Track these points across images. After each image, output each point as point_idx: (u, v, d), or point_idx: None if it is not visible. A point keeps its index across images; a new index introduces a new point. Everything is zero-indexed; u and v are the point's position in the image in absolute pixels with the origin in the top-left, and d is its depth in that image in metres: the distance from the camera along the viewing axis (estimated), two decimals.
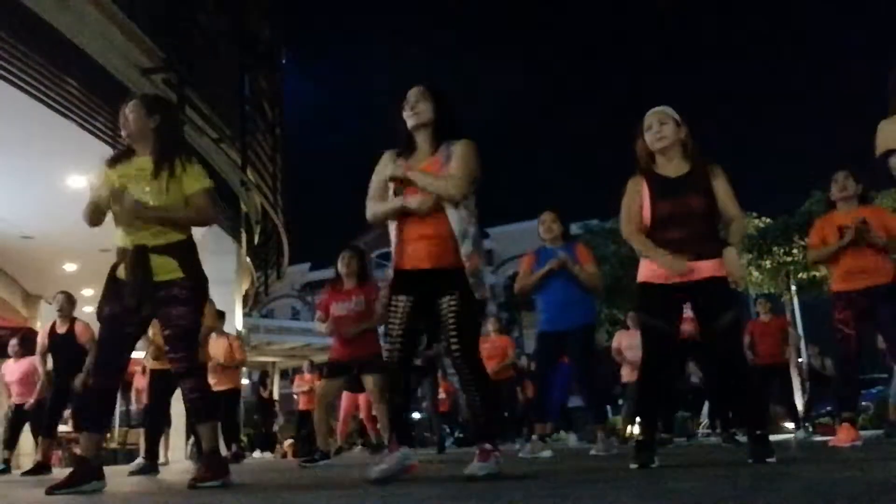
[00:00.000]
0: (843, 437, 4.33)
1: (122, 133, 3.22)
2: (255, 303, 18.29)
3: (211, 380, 6.67)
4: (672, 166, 3.22)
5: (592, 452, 4.84)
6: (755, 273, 16.68)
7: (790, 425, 9.48)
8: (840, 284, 4.51)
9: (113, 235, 3.22)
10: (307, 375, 12.54)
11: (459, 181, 2.86)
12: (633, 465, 2.97)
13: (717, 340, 3.14)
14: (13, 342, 8.14)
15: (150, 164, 3.12)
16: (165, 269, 3.07)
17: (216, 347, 7.33)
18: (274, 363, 21.33)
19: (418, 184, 2.88)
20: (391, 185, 2.98)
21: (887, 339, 4.47)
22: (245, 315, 15.72)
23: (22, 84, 6.77)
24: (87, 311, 8.58)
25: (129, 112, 3.19)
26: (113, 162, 3.22)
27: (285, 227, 15.95)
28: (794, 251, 15.52)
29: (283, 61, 18.22)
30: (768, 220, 17.07)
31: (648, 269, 3.22)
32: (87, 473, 2.95)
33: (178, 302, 3.06)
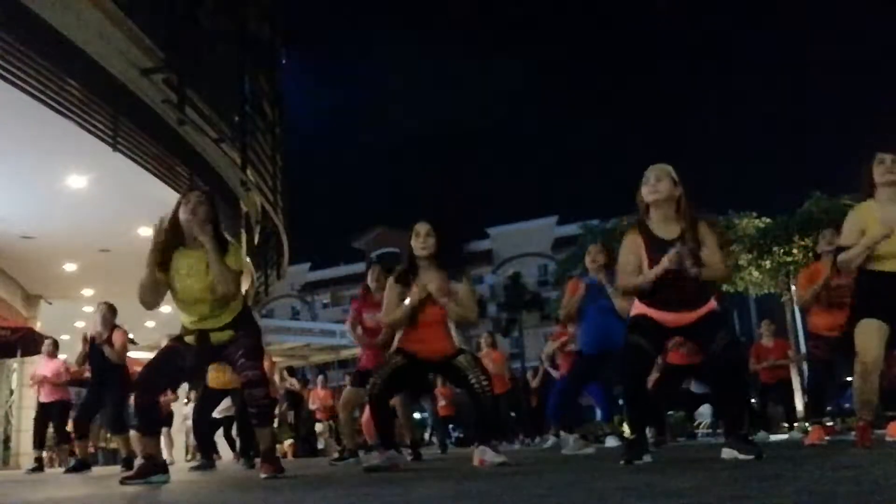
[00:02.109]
0: (814, 436, 4.89)
1: (185, 217, 3.53)
2: (255, 303, 18.28)
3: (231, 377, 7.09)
4: (665, 225, 3.42)
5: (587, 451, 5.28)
6: (755, 273, 16.70)
7: (787, 425, 9.52)
8: (821, 330, 5.10)
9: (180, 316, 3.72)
10: (321, 392, 12.60)
11: (473, 309, 4.04)
12: (622, 462, 3.21)
13: (719, 357, 3.33)
14: (48, 342, 8.43)
15: (199, 255, 3.55)
16: (225, 337, 3.67)
17: None
18: (274, 363, 21.34)
19: (445, 307, 3.86)
20: (408, 300, 3.89)
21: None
22: None
23: (22, 84, 6.77)
24: (87, 310, 8.58)
25: (199, 204, 3.57)
26: (168, 248, 3.58)
27: (285, 227, 15.95)
28: (794, 251, 15.55)
29: (283, 61, 18.22)
30: (768, 220, 17.09)
31: (644, 308, 3.42)
32: (154, 467, 3.53)
33: (240, 339, 3.68)
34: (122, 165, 8.11)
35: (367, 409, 9.55)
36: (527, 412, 11.40)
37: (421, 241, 3.95)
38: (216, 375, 6.76)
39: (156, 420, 3.79)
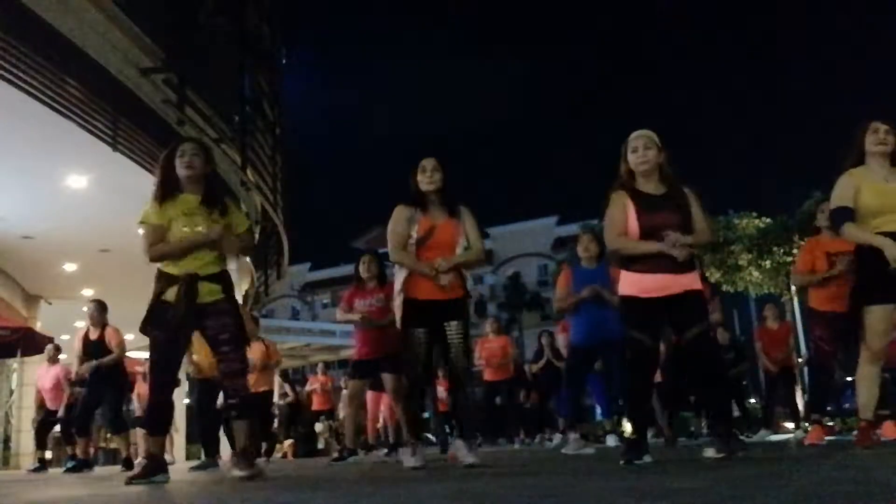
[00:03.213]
0: (814, 436, 4.83)
1: (183, 172, 3.54)
2: (255, 303, 18.27)
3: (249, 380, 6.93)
4: (651, 186, 3.46)
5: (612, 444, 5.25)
6: (755, 273, 16.71)
7: (790, 425, 9.50)
8: (823, 305, 4.82)
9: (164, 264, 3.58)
10: (321, 377, 12.58)
11: (482, 250, 4.00)
12: (622, 462, 3.20)
13: (687, 349, 3.44)
14: (49, 347, 8.43)
15: (197, 203, 3.56)
16: (211, 293, 3.55)
17: (254, 352, 7.44)
18: (275, 354, 21.31)
19: (455, 264, 3.81)
20: (413, 238, 3.81)
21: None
22: None
23: (22, 84, 6.77)
24: (87, 310, 8.58)
25: (194, 155, 3.57)
26: (162, 198, 3.55)
27: (285, 227, 15.94)
28: (794, 251, 15.55)
29: (283, 61, 18.21)
30: (768, 220, 17.09)
31: (630, 283, 3.43)
32: (157, 467, 3.56)
33: (226, 314, 3.56)
34: (122, 165, 8.11)
35: (387, 405, 9.55)
36: (527, 409, 11.37)
37: (428, 175, 3.86)
38: (213, 363, 6.51)
39: (167, 420, 3.77)
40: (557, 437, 8.47)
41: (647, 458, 3.28)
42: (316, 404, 12.59)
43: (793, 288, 16.36)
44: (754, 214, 17.61)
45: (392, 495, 2.19)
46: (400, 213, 3.88)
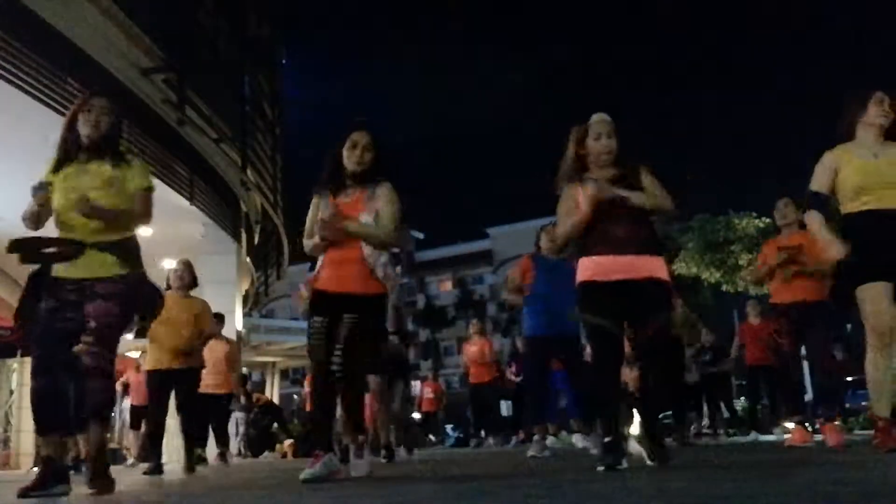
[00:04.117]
0: (797, 437, 4.83)
1: (85, 131, 3.10)
2: (255, 303, 18.27)
3: (209, 381, 6.72)
4: (604, 172, 3.25)
5: (580, 445, 5.00)
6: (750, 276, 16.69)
7: (791, 425, 9.47)
8: (776, 297, 4.94)
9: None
10: None
11: (389, 230, 3.28)
12: (600, 468, 2.84)
13: (644, 343, 3.16)
14: None
15: (102, 167, 3.10)
16: (104, 264, 3.00)
17: (215, 350, 7.32)
18: (274, 363, 21.32)
19: (354, 233, 3.23)
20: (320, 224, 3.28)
21: (810, 357, 4.99)
22: (245, 315, 15.71)
23: (22, 84, 6.77)
24: None
25: (102, 113, 3.13)
26: (59, 165, 3.16)
27: (285, 227, 15.94)
28: None
29: (283, 61, 18.22)
30: (768, 220, 17.06)
31: (587, 268, 3.20)
32: (54, 475, 2.90)
33: (109, 297, 2.97)
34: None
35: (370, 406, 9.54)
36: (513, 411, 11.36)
37: (357, 154, 3.28)
38: (174, 348, 5.55)
39: (59, 415, 2.94)
40: (576, 438, 8.39)
41: (626, 464, 2.95)
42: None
43: None
44: (754, 214, 17.59)
45: (392, 495, 2.19)
46: (313, 204, 3.43)
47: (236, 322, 12.33)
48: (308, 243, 3.40)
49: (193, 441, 5.87)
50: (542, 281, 5.13)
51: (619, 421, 3.17)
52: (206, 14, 11.78)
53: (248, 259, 13.99)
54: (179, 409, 5.72)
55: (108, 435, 13.24)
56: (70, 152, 3.14)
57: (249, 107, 13.56)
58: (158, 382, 5.61)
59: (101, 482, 2.89)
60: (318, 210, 3.34)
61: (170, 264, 6.28)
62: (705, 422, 9.61)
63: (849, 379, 11.06)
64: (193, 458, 5.72)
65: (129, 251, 3.08)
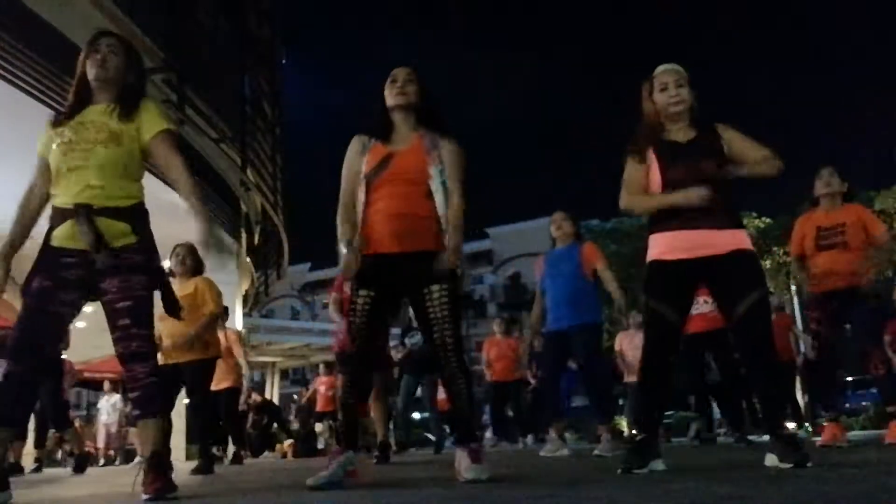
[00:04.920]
0: (829, 436, 4.37)
1: (91, 73, 2.66)
2: (255, 303, 18.29)
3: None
4: (680, 132, 2.89)
5: (596, 452, 4.75)
6: None
7: (791, 425, 9.47)
8: (814, 287, 4.51)
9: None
10: (327, 377, 12.60)
11: (459, 206, 2.81)
12: (619, 471, 2.61)
13: (741, 326, 2.71)
14: None
15: (107, 117, 2.63)
16: (115, 233, 2.55)
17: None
18: (274, 363, 21.34)
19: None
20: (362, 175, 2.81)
21: (859, 343, 4.53)
22: (245, 315, 15.72)
23: (22, 84, 6.77)
24: (86, 310, 8.60)
25: (110, 52, 2.67)
26: (67, 115, 2.70)
27: (285, 227, 15.95)
28: None
29: (283, 61, 18.23)
30: (768, 220, 17.09)
31: (660, 244, 2.83)
32: None
33: (137, 270, 2.56)
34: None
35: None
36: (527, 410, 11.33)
37: (399, 86, 2.84)
38: (174, 341, 5.08)
39: (17, 407, 2.57)
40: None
41: (660, 466, 2.67)
42: (321, 405, 12.60)
43: (793, 287, 16.34)
44: (754, 214, 17.59)
45: (391, 496, 2.19)
46: (352, 147, 2.90)
47: (236, 322, 12.34)
48: (342, 212, 2.85)
49: (208, 441, 5.52)
50: (548, 275, 5.08)
51: (659, 422, 2.91)
52: (206, 14, 11.79)
53: (248, 259, 14.00)
54: (193, 407, 5.41)
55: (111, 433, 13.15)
56: (75, 105, 2.70)
57: (249, 107, 13.57)
58: (165, 379, 5.26)
59: (157, 479, 2.43)
60: (357, 156, 2.85)
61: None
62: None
63: (849, 379, 11.08)
64: (208, 460, 5.25)
65: (141, 217, 2.66)
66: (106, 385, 12.89)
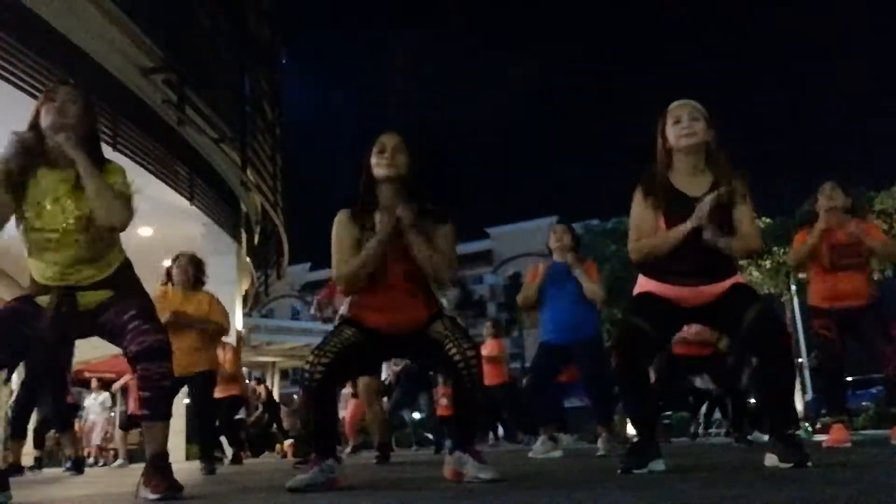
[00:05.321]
0: (835, 437, 4.34)
1: (50, 121, 2.54)
2: (255, 303, 18.29)
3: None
4: (691, 178, 2.75)
5: (600, 453, 4.73)
6: (755, 273, 16.69)
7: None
8: (823, 302, 4.48)
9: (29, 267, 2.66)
10: None
11: (452, 267, 2.66)
12: (619, 471, 2.60)
13: (755, 326, 2.62)
14: None
15: (68, 176, 2.55)
16: (94, 299, 2.59)
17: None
18: (274, 363, 21.33)
19: (413, 245, 2.58)
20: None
21: (869, 351, 4.43)
22: (245, 315, 15.72)
23: (22, 84, 6.77)
24: None
25: (70, 101, 2.59)
26: (24, 167, 2.56)
27: (285, 227, 15.96)
28: None
29: (283, 61, 18.24)
30: (768, 220, 17.09)
31: (652, 286, 2.79)
32: None
33: (124, 302, 2.59)
34: (122, 165, 8.13)
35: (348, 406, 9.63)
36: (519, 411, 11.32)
37: (387, 157, 2.64)
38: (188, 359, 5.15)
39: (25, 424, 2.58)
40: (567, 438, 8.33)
41: (659, 466, 2.63)
42: None
43: (793, 287, 16.34)
44: (754, 214, 17.62)
45: (391, 496, 2.19)
46: (340, 223, 2.70)
47: (236, 322, 12.33)
48: (350, 270, 2.63)
49: (210, 446, 5.68)
50: (550, 293, 5.01)
51: (654, 421, 2.82)
52: (206, 14, 11.79)
53: (248, 259, 14.00)
54: (196, 415, 5.56)
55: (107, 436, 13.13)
56: (25, 158, 2.55)
57: (249, 107, 13.57)
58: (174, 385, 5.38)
59: (161, 479, 2.45)
60: (351, 235, 2.67)
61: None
62: (715, 419, 9.60)
63: (849, 378, 11.07)
64: (211, 461, 5.37)
65: (122, 274, 2.67)
66: (93, 383, 12.62)
